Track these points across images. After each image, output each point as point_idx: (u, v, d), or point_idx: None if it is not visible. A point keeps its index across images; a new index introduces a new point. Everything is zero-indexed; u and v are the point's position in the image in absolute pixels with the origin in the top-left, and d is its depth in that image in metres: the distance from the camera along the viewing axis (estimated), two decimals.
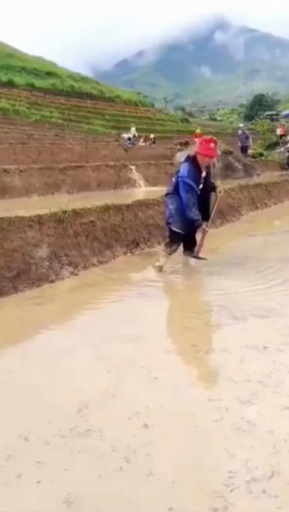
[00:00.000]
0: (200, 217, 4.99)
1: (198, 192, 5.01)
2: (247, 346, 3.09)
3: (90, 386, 2.60)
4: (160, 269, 5.07)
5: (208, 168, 5.18)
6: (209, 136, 5.29)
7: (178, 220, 5.04)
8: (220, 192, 5.39)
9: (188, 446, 2.04)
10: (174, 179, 5.14)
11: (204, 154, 4.94)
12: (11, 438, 2.10)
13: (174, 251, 5.19)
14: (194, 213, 4.92)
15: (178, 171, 5.07)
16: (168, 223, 5.18)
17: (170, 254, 5.16)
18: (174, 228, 5.10)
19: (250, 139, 21.85)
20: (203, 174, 5.08)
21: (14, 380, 2.75)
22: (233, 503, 1.66)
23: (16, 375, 2.82)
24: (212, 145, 4.96)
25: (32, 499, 1.74)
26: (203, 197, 5.10)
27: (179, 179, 4.95)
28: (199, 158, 4.96)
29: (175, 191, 5.04)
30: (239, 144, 21.45)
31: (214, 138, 5.30)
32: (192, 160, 4.97)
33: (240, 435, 2.09)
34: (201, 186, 5.05)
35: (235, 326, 3.48)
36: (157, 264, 5.10)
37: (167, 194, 5.22)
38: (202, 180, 5.07)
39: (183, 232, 5.11)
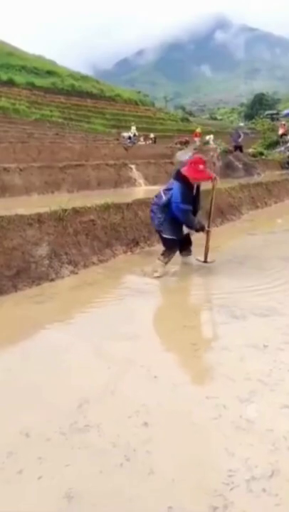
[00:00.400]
0: (202, 223, 5.08)
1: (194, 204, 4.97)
2: (247, 345, 3.08)
3: (90, 384, 2.60)
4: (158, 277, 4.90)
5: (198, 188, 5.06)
6: (198, 157, 5.07)
7: (168, 227, 4.94)
8: (215, 179, 5.13)
9: (188, 445, 2.03)
10: (163, 195, 4.95)
11: (193, 178, 4.80)
12: (12, 435, 2.11)
13: (171, 259, 5.08)
14: (197, 224, 4.98)
15: (169, 189, 4.92)
16: (159, 231, 5.11)
17: (167, 263, 5.04)
18: (165, 236, 5.01)
19: (241, 138, 21.71)
20: (194, 190, 4.95)
21: (14, 378, 2.75)
22: (233, 502, 1.66)
23: (16, 373, 2.82)
24: (201, 167, 4.78)
25: (33, 494, 1.75)
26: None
27: (173, 204, 4.81)
28: (190, 179, 4.81)
29: (163, 205, 4.93)
30: (232, 143, 21.41)
31: (203, 158, 5.08)
32: (183, 180, 4.80)
33: (239, 433, 2.09)
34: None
35: (235, 324, 3.48)
36: (155, 275, 4.91)
37: (154, 203, 5.09)
38: (194, 190, 4.97)
39: (176, 238, 5.01)
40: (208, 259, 5.23)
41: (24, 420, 2.23)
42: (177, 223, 4.94)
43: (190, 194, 4.86)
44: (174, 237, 5.00)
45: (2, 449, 2.00)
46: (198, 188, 5.05)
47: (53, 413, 2.29)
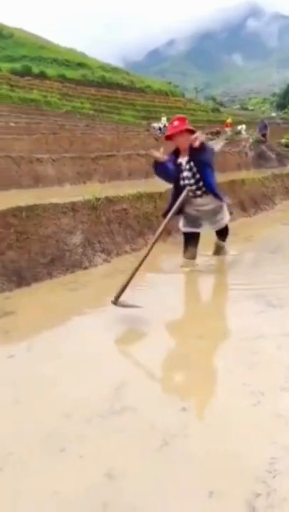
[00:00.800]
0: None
1: (184, 180, 4.50)
2: (284, 334, 3.02)
3: (125, 370, 2.59)
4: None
5: (194, 152, 4.35)
6: (175, 117, 4.73)
7: (176, 217, 4.64)
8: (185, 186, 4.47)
9: (227, 431, 2.00)
10: None
11: (169, 135, 4.58)
12: (54, 416, 2.13)
13: (194, 254, 4.80)
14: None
15: None
16: None
17: (192, 258, 4.78)
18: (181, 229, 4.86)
19: (268, 128, 21.67)
20: (184, 159, 4.49)
21: (50, 362, 2.77)
22: (276, 489, 1.62)
23: (50, 359, 2.83)
24: (176, 123, 4.52)
25: (75, 471, 1.77)
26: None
27: None
28: (175, 142, 4.56)
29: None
30: (258, 132, 21.43)
31: (181, 116, 4.84)
32: (175, 148, 4.64)
33: (279, 421, 2.05)
34: (185, 174, 4.48)
35: (272, 313, 3.41)
36: (184, 269, 4.71)
37: None
38: (186, 167, 4.48)
39: (185, 230, 4.74)
40: (121, 301, 3.48)
41: (65, 402, 2.25)
42: (181, 212, 4.61)
43: (174, 159, 4.55)
44: (185, 230, 4.72)
45: (45, 429, 2.03)
46: (202, 169, 4.47)
47: (91, 396, 2.29)
